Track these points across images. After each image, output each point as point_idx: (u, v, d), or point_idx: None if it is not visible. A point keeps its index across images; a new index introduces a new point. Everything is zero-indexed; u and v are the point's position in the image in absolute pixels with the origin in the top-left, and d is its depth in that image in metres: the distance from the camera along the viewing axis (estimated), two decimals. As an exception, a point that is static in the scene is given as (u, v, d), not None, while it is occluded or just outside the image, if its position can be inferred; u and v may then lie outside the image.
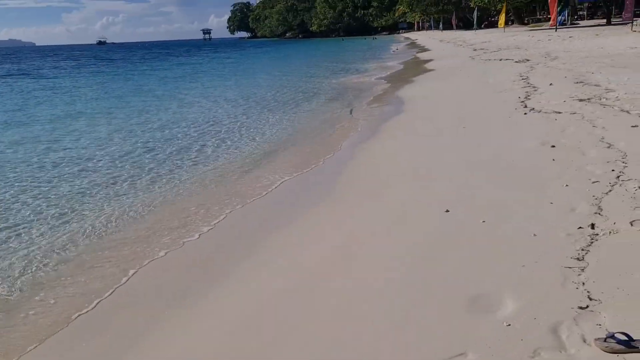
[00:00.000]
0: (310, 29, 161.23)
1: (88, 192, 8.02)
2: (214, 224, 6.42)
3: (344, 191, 7.20)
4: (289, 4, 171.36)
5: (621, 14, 38.94)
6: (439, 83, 18.64)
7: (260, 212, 6.84)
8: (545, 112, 9.61)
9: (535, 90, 12.35)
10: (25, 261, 5.64)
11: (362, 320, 3.75)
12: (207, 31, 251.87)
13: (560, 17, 39.12)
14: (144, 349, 3.88)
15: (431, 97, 15.22)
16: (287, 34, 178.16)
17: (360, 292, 4.19)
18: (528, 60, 19.62)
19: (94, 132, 13.52)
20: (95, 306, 4.64)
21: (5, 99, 23.28)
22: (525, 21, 65.52)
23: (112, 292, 4.87)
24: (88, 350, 3.98)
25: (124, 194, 7.82)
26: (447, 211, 5.63)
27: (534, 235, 4.66)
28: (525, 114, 9.86)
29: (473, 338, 3.29)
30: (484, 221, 5.17)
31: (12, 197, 7.87)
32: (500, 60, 21.78)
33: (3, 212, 7.19)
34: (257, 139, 11.69)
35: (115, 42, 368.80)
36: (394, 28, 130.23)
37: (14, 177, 9.05)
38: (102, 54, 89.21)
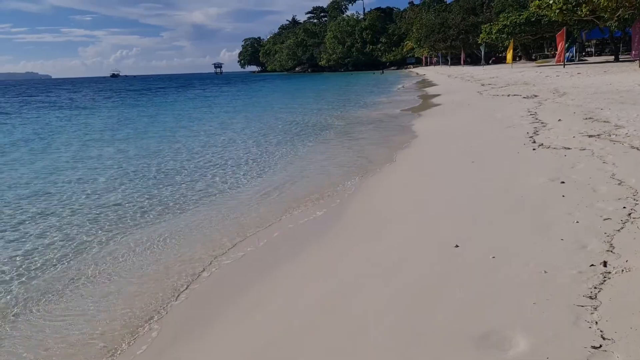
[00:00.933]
0: (319, 63, 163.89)
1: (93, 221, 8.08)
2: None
3: (349, 226, 7.19)
4: (298, 39, 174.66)
5: (629, 51, 39.31)
6: (446, 118, 18.77)
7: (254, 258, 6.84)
8: (555, 148, 9.62)
9: (544, 125, 12.39)
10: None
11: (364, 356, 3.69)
12: (218, 65, 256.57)
13: (568, 53, 39.60)
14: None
15: (439, 132, 15.31)
16: (296, 68, 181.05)
17: (364, 329, 4.14)
18: (536, 95, 19.75)
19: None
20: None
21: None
22: (533, 57, 66.28)
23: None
24: None
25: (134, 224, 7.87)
26: (457, 246, 5.59)
27: (545, 272, 4.60)
28: (534, 149, 9.87)
29: (484, 377, 3.23)
30: (493, 257, 5.12)
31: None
32: (509, 95, 21.94)
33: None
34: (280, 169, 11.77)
35: (127, 74, 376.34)
36: (402, 63, 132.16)
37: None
38: (129, 87, 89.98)
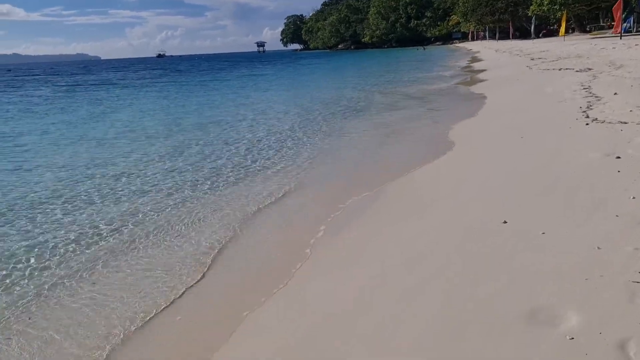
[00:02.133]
0: (363, 40, 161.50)
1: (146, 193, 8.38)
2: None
3: (397, 203, 7.18)
4: (341, 15, 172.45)
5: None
6: (494, 93, 18.25)
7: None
8: (610, 123, 9.23)
9: (598, 100, 11.87)
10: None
11: (416, 336, 3.72)
12: (261, 44, 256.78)
13: (625, 24, 37.54)
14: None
15: (487, 108, 14.93)
16: (339, 46, 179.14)
17: (413, 305, 4.17)
18: (590, 69, 18.91)
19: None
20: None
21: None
22: (587, 29, 63.19)
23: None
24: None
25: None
26: (505, 222, 5.50)
27: (598, 248, 4.48)
28: (587, 124, 9.50)
29: (533, 351, 3.20)
30: (543, 233, 5.01)
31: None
32: (560, 69, 21.09)
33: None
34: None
35: (173, 54, 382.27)
36: (447, 38, 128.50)
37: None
38: (178, 67, 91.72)
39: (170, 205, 7.90)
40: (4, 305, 5.12)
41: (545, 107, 12.63)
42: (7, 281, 5.60)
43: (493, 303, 3.89)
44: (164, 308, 4.95)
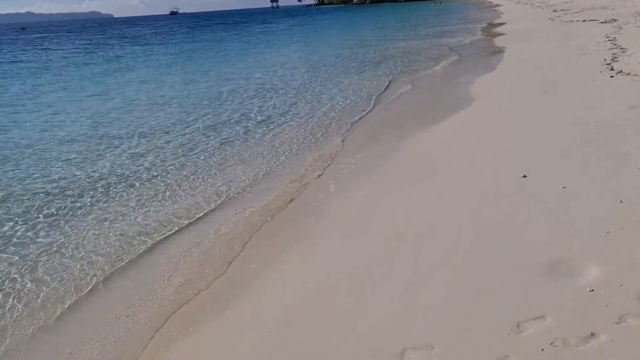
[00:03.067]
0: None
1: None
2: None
3: (413, 160, 7.12)
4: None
5: None
6: (514, 46, 17.72)
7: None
8: (635, 75, 8.94)
9: (624, 51, 11.48)
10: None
11: (436, 284, 3.74)
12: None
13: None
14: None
15: (508, 62, 14.54)
16: (354, 0, 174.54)
17: (434, 258, 4.17)
18: (615, 20, 18.21)
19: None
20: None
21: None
22: (613, -21, 60.43)
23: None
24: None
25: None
26: (525, 176, 5.42)
27: (621, 201, 4.40)
28: (611, 76, 9.22)
29: (552, 302, 3.20)
30: (564, 187, 4.94)
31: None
32: (584, 21, 20.36)
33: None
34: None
35: (186, 12, 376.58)
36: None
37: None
38: (195, 24, 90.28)
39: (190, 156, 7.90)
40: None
41: (569, 59, 12.26)
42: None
43: (513, 256, 3.88)
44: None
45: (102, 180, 7.28)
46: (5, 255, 5.26)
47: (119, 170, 7.66)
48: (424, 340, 3.10)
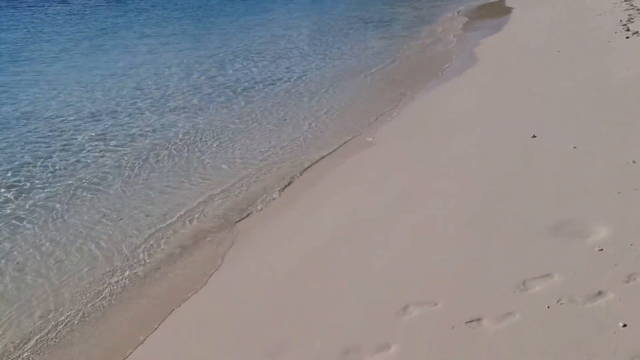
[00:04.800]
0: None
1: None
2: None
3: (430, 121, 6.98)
4: None
5: None
6: (526, 7, 17.20)
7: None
8: (652, 36, 8.67)
9: (640, 12, 11.13)
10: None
11: (446, 244, 3.68)
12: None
13: None
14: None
15: (518, 23, 14.14)
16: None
17: (439, 215, 4.11)
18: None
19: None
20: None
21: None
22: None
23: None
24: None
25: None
26: (534, 137, 5.30)
27: (633, 162, 4.29)
28: (627, 37, 8.95)
29: (560, 260, 3.13)
30: (575, 147, 4.82)
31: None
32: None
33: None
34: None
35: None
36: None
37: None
38: None
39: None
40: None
41: (583, 20, 11.90)
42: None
43: (520, 215, 3.80)
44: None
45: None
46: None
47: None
48: (427, 297, 3.06)
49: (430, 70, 9.90)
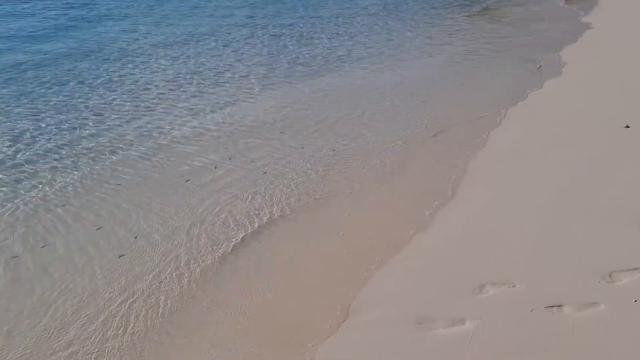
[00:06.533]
0: None
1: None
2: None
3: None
4: None
5: None
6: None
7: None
8: None
9: None
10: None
11: (527, 225, 3.60)
12: None
13: None
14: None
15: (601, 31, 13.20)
16: None
17: (526, 200, 4.01)
18: None
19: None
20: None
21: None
22: None
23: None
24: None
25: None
26: (627, 127, 5.02)
27: None
28: None
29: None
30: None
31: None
32: None
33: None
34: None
35: None
36: None
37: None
38: None
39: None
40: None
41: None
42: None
43: (609, 205, 3.66)
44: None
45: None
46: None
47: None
48: (505, 277, 3.02)
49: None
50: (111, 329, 2.97)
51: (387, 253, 3.46)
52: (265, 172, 4.78)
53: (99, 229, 4.00)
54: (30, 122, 6.03)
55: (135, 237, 3.87)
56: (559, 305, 2.73)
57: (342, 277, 3.28)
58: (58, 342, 2.91)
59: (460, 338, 2.63)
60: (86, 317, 3.07)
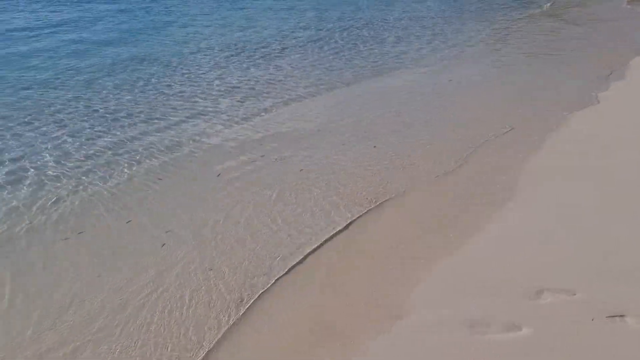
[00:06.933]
0: None
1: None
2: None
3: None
4: None
5: None
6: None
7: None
8: None
9: None
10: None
11: (589, 231, 3.48)
12: None
13: None
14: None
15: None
16: None
17: (587, 202, 3.87)
18: None
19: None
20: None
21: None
22: None
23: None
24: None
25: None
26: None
27: None
28: None
29: None
30: None
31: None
32: None
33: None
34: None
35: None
36: None
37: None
38: None
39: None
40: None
41: None
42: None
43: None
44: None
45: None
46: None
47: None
48: (565, 285, 2.93)
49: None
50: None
51: (440, 254, 3.41)
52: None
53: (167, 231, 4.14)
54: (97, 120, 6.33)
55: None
56: (622, 316, 2.62)
57: (395, 278, 3.26)
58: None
59: (516, 344, 2.57)
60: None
